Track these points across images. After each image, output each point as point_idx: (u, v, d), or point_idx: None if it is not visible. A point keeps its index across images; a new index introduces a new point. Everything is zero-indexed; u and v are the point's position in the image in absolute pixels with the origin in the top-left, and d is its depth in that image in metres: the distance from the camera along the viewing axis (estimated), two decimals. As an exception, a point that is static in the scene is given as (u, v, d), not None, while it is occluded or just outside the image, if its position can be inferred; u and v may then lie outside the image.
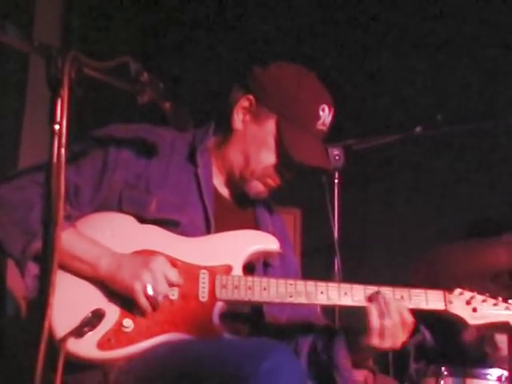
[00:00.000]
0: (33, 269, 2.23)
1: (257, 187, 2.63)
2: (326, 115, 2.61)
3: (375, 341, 2.39)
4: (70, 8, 4.75)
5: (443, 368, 3.49)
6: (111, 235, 2.38)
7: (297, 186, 4.56)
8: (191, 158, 2.61)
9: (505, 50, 4.78)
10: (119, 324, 2.27)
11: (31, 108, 4.40)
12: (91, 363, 2.23)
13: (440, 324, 3.90)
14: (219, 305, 2.38)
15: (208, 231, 2.52)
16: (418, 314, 3.72)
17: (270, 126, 2.59)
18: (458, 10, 4.86)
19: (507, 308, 2.51)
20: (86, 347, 2.21)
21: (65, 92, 1.80)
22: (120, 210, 2.46)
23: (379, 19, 4.92)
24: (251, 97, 2.61)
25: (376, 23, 4.92)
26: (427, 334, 3.79)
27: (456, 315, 2.49)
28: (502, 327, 2.53)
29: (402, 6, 4.92)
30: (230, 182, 2.67)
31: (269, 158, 2.59)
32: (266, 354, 2.05)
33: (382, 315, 2.38)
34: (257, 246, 2.51)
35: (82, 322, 2.20)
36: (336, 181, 3.35)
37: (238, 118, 2.62)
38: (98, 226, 2.41)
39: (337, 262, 3.31)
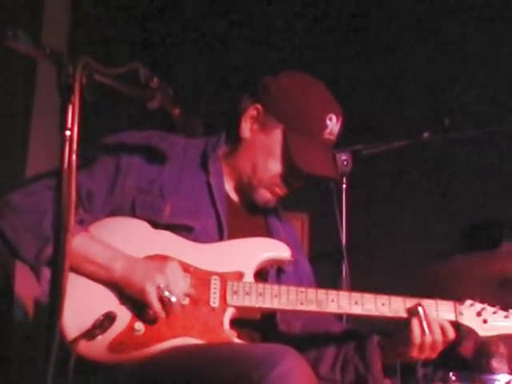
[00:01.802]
0: (48, 273, 2.22)
1: (264, 195, 2.66)
2: (333, 124, 2.63)
3: (415, 353, 2.42)
4: (78, 14, 4.77)
5: (451, 373, 3.48)
6: (124, 239, 2.40)
7: (304, 191, 4.59)
8: (203, 165, 2.64)
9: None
10: (131, 327, 2.29)
11: (39, 113, 4.41)
12: (102, 365, 2.24)
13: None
14: (230, 311, 2.39)
15: (221, 237, 2.53)
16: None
17: (277, 135, 2.62)
18: (465, 12, 4.86)
19: None
20: (97, 350, 2.22)
21: (76, 98, 1.81)
22: (133, 215, 2.48)
23: (386, 24, 4.92)
24: (259, 106, 2.64)
25: (383, 28, 4.92)
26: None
27: (467, 327, 2.49)
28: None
29: (409, 9, 4.91)
30: (240, 189, 2.70)
31: (275, 167, 2.62)
32: (277, 359, 2.05)
33: (423, 331, 2.38)
34: (269, 253, 2.52)
35: (93, 325, 2.21)
36: (344, 186, 3.35)
37: (246, 127, 2.65)
38: (111, 231, 2.43)
39: (344, 267, 3.31)
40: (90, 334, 2.20)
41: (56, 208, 1.79)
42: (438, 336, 2.40)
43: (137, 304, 2.31)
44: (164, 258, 2.38)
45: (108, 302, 2.30)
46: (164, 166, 2.55)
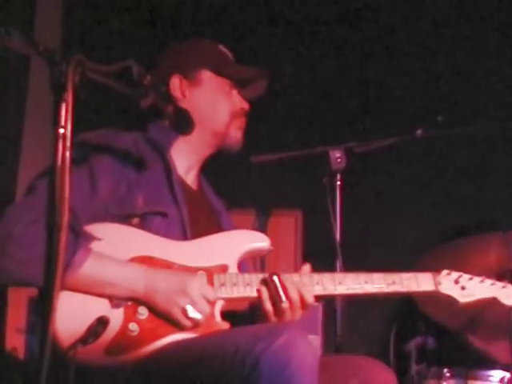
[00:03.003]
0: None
1: (236, 133, 2.76)
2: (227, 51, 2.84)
3: (271, 318, 2.43)
4: (70, 11, 4.76)
5: (445, 370, 3.49)
6: (106, 243, 2.39)
7: (298, 188, 4.61)
8: (155, 153, 2.64)
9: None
10: (125, 328, 2.29)
11: (32, 110, 4.41)
12: (101, 368, 2.25)
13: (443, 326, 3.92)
14: (219, 303, 2.42)
15: (182, 222, 2.56)
16: (420, 315, 3.77)
17: (207, 77, 2.74)
18: (459, 11, 4.86)
19: (493, 284, 2.59)
20: (94, 354, 2.22)
21: (69, 96, 1.81)
22: (106, 214, 2.47)
23: (377, 22, 4.92)
24: (176, 74, 2.72)
25: (374, 26, 4.91)
26: (429, 336, 3.80)
27: (446, 295, 2.56)
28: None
29: (400, 7, 4.91)
30: (191, 165, 2.74)
31: (228, 99, 2.75)
32: (279, 331, 2.10)
33: (280, 298, 2.40)
34: (250, 244, 2.56)
35: (87, 330, 2.20)
36: (338, 183, 3.35)
37: (179, 95, 2.71)
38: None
39: (339, 264, 3.31)
40: (85, 339, 2.19)
41: (49, 206, 1.79)
42: (297, 303, 2.42)
43: (128, 306, 2.33)
44: (186, 270, 2.41)
45: (99, 306, 2.30)
46: (125, 163, 2.55)
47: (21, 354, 2.30)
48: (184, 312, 2.32)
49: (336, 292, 2.51)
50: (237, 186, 4.31)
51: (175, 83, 2.71)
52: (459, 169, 4.76)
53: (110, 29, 4.88)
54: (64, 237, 1.80)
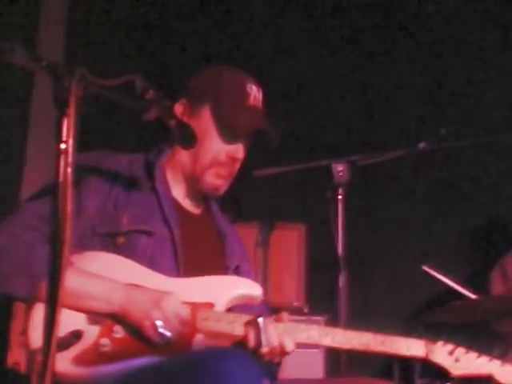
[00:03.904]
0: None
1: (212, 181, 2.65)
2: (255, 92, 2.68)
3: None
4: (74, 27, 4.78)
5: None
6: (96, 270, 2.41)
7: (302, 202, 4.61)
8: (149, 175, 2.64)
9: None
10: (97, 343, 2.31)
11: (36, 124, 4.42)
12: (68, 380, 2.25)
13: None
14: (199, 336, 2.41)
15: (173, 243, 2.56)
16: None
17: (206, 115, 2.65)
18: (459, 23, 4.87)
19: (490, 360, 2.52)
20: (61, 363, 2.21)
21: (71, 110, 1.81)
22: (93, 234, 2.49)
23: (381, 33, 4.93)
24: (184, 100, 2.68)
25: (378, 37, 4.92)
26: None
27: (437, 364, 2.51)
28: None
29: (401, 20, 4.93)
30: (189, 192, 2.71)
31: (213, 145, 2.63)
32: (215, 359, 2.14)
33: (259, 343, 2.40)
34: (241, 290, 2.54)
35: (59, 340, 2.21)
36: (340, 196, 3.35)
37: None
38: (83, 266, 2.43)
39: (341, 278, 3.31)
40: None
41: (52, 222, 1.79)
42: (276, 349, 2.41)
43: (106, 322, 2.34)
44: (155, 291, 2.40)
45: (76, 320, 2.32)
46: (114, 183, 2.56)
47: (23, 368, 2.29)
48: (154, 327, 2.32)
49: (321, 343, 2.49)
50: (240, 200, 4.32)
51: (179, 108, 2.67)
52: (462, 182, 4.76)
53: (113, 44, 4.90)
54: (67, 252, 1.80)
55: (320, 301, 4.19)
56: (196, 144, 2.47)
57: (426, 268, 3.64)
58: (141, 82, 2.16)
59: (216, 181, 2.65)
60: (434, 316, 3.60)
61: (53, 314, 1.77)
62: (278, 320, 2.47)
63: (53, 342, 1.77)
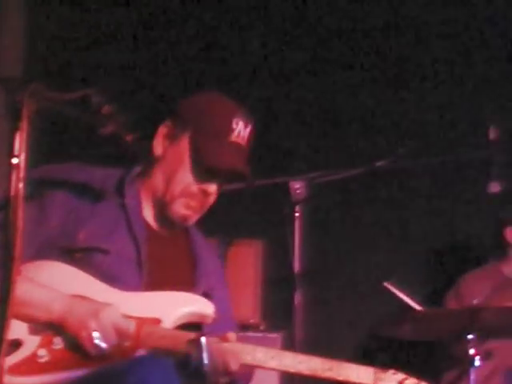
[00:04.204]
0: None
1: (179, 210, 2.61)
2: (240, 128, 2.64)
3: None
4: (34, 38, 4.75)
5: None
6: (45, 280, 2.42)
7: (259, 218, 4.61)
8: (120, 191, 2.63)
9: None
10: (34, 354, 2.32)
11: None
12: None
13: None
14: (142, 352, 2.40)
15: (139, 262, 2.54)
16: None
17: (184, 143, 2.62)
18: (420, 44, 4.91)
19: None
20: None
21: (24, 125, 1.80)
22: (53, 246, 2.48)
23: (336, 48, 4.95)
24: (169, 123, 2.66)
25: (334, 52, 4.94)
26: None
27: None
28: None
29: (359, 35, 4.95)
30: (158, 214, 2.68)
31: (186, 176, 2.60)
32: (132, 368, 2.16)
33: (200, 362, 2.38)
34: (189, 307, 2.53)
35: None
36: (297, 213, 3.35)
37: (158, 145, 2.65)
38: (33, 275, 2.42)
39: (298, 295, 3.31)
40: None
41: (3, 238, 1.78)
42: (217, 369, 2.40)
43: (46, 334, 2.35)
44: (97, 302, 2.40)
45: (18, 330, 2.30)
46: (81, 197, 2.55)
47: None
48: (90, 337, 2.31)
49: (266, 365, 2.47)
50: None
51: (163, 129, 2.66)
52: (422, 199, 4.80)
53: (73, 56, 4.87)
54: (18, 267, 1.79)
55: (278, 318, 4.18)
56: (148, 163, 2.47)
57: (387, 285, 3.65)
58: (97, 97, 2.14)
59: (185, 211, 2.62)
60: (389, 331, 3.61)
61: (2, 327, 1.75)
62: (224, 339, 2.45)
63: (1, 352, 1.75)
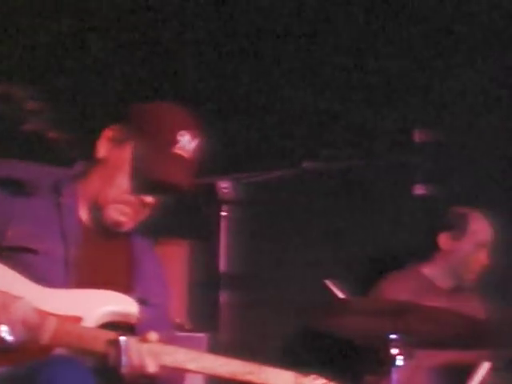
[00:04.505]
0: None
1: (112, 215, 2.60)
2: (185, 141, 2.62)
3: None
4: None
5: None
6: None
7: (186, 218, 4.59)
8: (57, 189, 2.60)
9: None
10: None
11: None
12: None
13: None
14: (60, 350, 2.37)
15: (67, 263, 2.51)
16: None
17: (127, 150, 2.61)
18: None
19: None
20: None
21: None
22: None
23: (271, 53, 4.97)
24: (116, 127, 2.65)
25: (266, 54, 4.96)
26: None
27: None
28: None
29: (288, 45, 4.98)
30: (94, 216, 2.66)
31: (123, 182, 2.58)
32: (42, 367, 2.15)
33: (118, 362, 2.37)
34: (113, 306, 2.50)
35: None
36: (224, 213, 3.35)
37: (102, 148, 2.64)
38: None
39: (223, 296, 3.31)
40: None
41: None
42: (136, 370, 2.39)
43: None
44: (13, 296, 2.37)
45: None
46: (15, 194, 2.51)
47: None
48: None
49: (187, 367, 2.46)
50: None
51: (109, 132, 2.65)
52: (346, 204, 4.84)
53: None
54: None
55: (205, 318, 4.17)
56: (78, 159, 2.45)
57: (328, 282, 3.67)
58: (20, 92, 2.12)
59: (118, 217, 2.61)
60: (317, 325, 3.61)
61: None
62: (144, 340, 2.42)
63: None
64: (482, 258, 4.22)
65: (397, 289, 4.06)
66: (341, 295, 3.66)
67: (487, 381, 3.90)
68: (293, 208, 4.80)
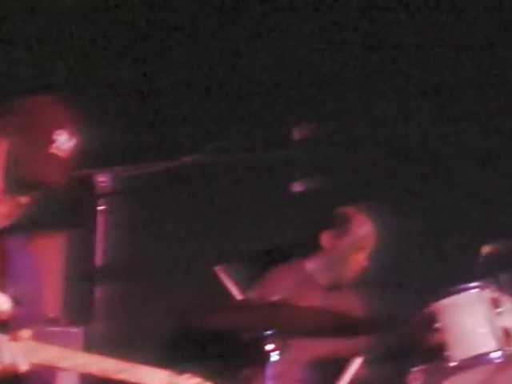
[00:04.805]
0: None
1: None
2: (62, 140, 2.55)
3: None
4: None
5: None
6: None
7: (62, 212, 4.53)
8: None
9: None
10: None
11: None
12: None
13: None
14: None
15: None
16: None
17: (3, 147, 2.52)
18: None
19: None
20: None
21: None
22: None
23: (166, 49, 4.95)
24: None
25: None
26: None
27: None
28: None
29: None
30: None
31: None
32: None
33: None
34: None
35: None
36: (102, 207, 3.33)
37: None
38: None
39: (98, 290, 3.29)
40: None
41: None
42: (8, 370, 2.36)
43: None
44: None
45: None
46: None
47: None
48: None
49: (59, 365, 2.42)
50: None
51: None
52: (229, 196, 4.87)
53: None
54: None
55: (80, 312, 4.13)
56: None
57: (218, 270, 3.67)
58: None
59: None
60: (197, 322, 3.62)
61: None
62: (15, 338, 2.36)
63: None
64: (360, 260, 4.31)
65: (280, 281, 4.13)
66: (229, 284, 3.68)
67: (360, 373, 4.03)
68: (174, 201, 4.79)
